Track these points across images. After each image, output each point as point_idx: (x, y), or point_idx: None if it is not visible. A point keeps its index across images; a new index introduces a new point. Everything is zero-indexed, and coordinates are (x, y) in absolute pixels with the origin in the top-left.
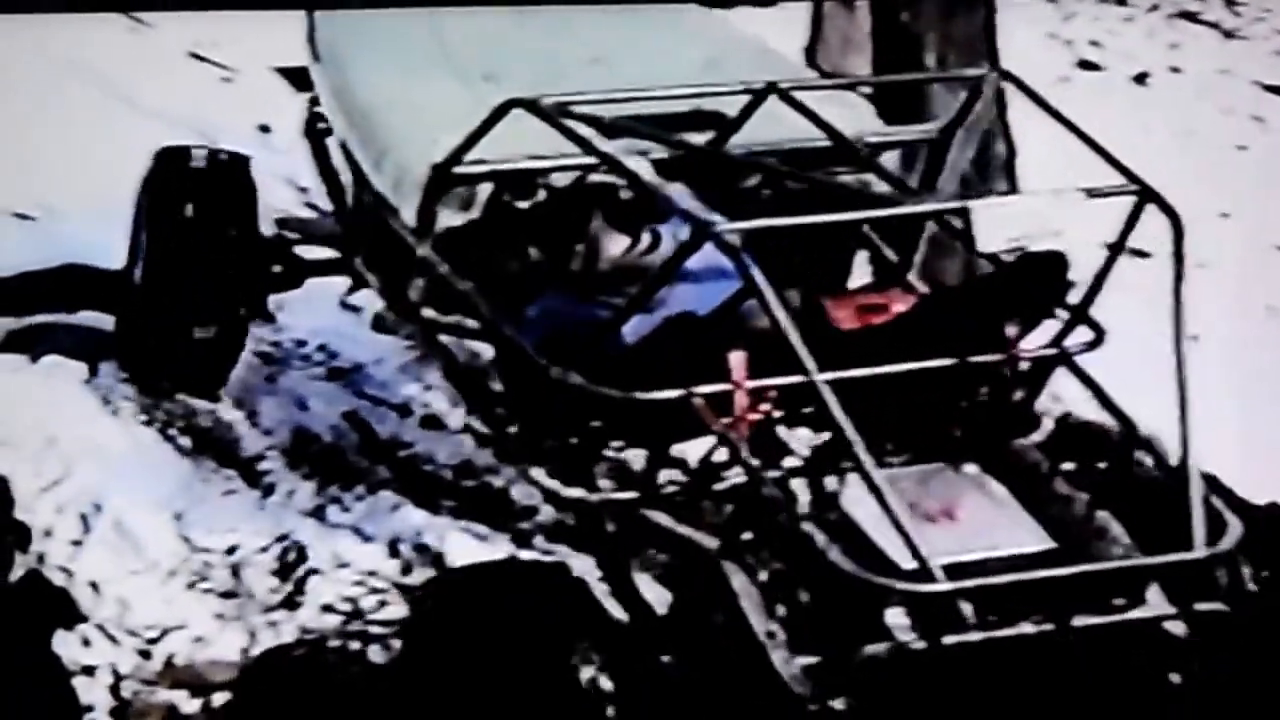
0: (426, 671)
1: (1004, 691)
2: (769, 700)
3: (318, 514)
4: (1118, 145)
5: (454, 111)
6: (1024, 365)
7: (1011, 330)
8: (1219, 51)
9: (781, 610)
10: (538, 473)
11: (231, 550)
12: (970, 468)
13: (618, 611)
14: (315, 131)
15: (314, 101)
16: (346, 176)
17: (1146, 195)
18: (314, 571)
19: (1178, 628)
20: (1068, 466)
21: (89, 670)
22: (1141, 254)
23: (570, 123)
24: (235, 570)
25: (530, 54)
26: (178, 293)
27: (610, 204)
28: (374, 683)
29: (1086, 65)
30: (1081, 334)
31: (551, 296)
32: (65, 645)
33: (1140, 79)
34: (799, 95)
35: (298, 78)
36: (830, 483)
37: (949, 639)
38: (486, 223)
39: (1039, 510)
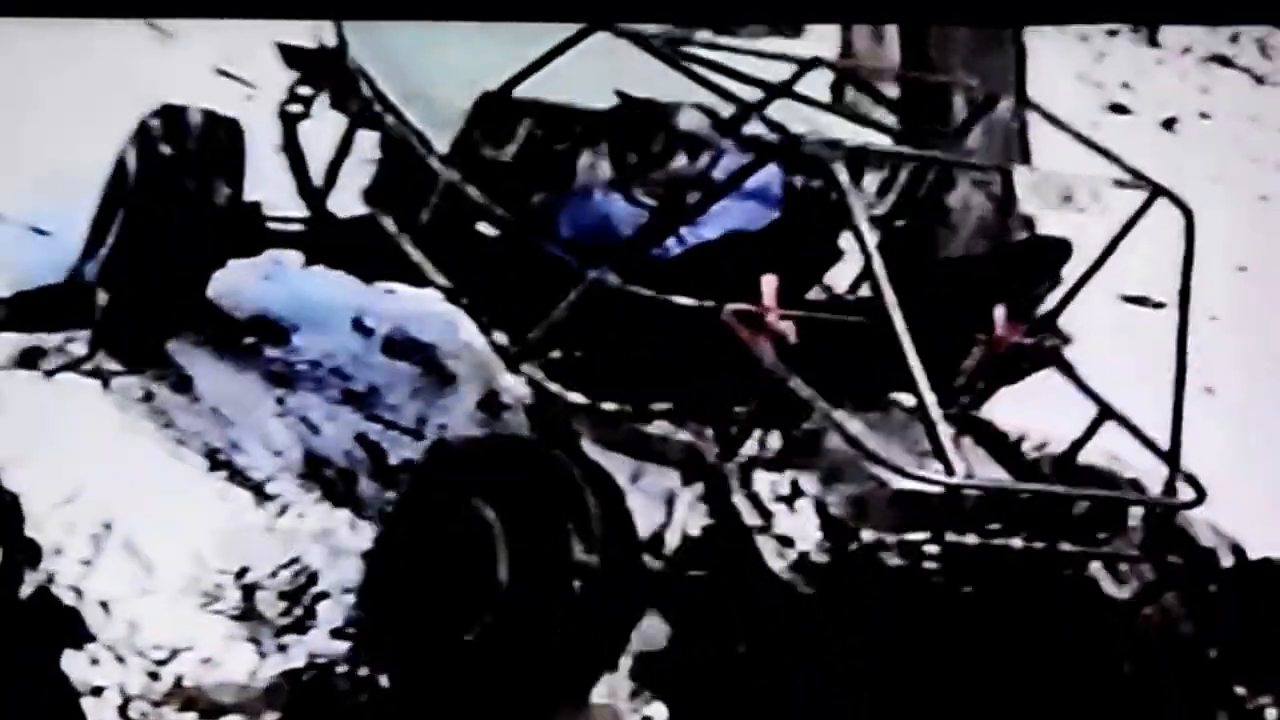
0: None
1: (987, 600)
2: (758, 587)
3: (328, 537)
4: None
5: (487, 59)
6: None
7: (1000, 313)
8: (1250, 97)
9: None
10: (537, 373)
11: (242, 572)
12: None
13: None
14: (290, 115)
15: (295, 85)
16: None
17: (1157, 191)
18: (324, 595)
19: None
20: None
21: (97, 691)
22: (1158, 305)
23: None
24: (246, 592)
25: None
26: (159, 244)
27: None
28: (382, 708)
29: (1117, 109)
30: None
31: (594, 193)
32: (74, 665)
33: (1169, 124)
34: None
35: (292, 55)
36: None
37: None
38: (523, 158)
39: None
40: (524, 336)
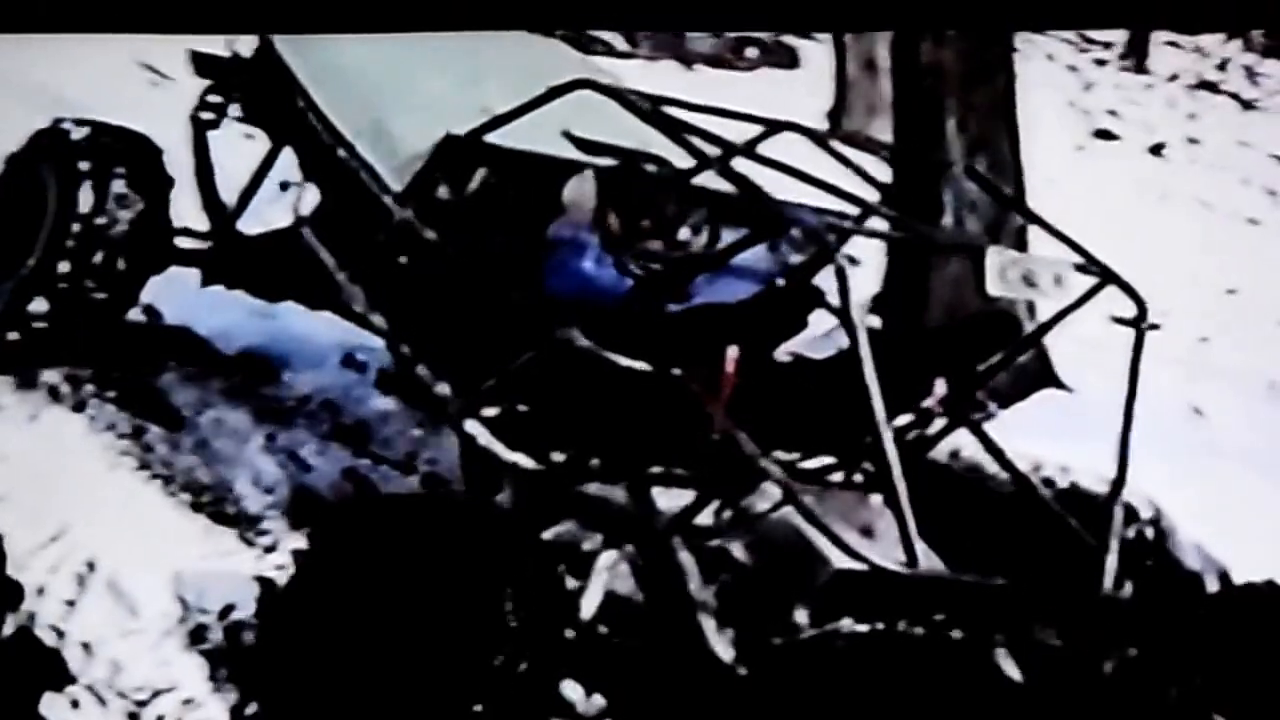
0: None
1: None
2: (698, 664)
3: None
4: (1132, 216)
5: (448, 96)
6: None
7: (939, 386)
8: (1238, 122)
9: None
10: (478, 429)
11: (226, 612)
12: (876, 498)
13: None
14: (200, 122)
15: (208, 91)
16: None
17: (1108, 278)
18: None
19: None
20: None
21: None
22: (1153, 326)
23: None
24: (230, 632)
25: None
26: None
27: (684, 190)
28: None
29: (1103, 135)
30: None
31: (585, 250)
32: (53, 708)
33: (1157, 150)
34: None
35: (204, 63)
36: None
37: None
38: (479, 202)
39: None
40: (470, 389)
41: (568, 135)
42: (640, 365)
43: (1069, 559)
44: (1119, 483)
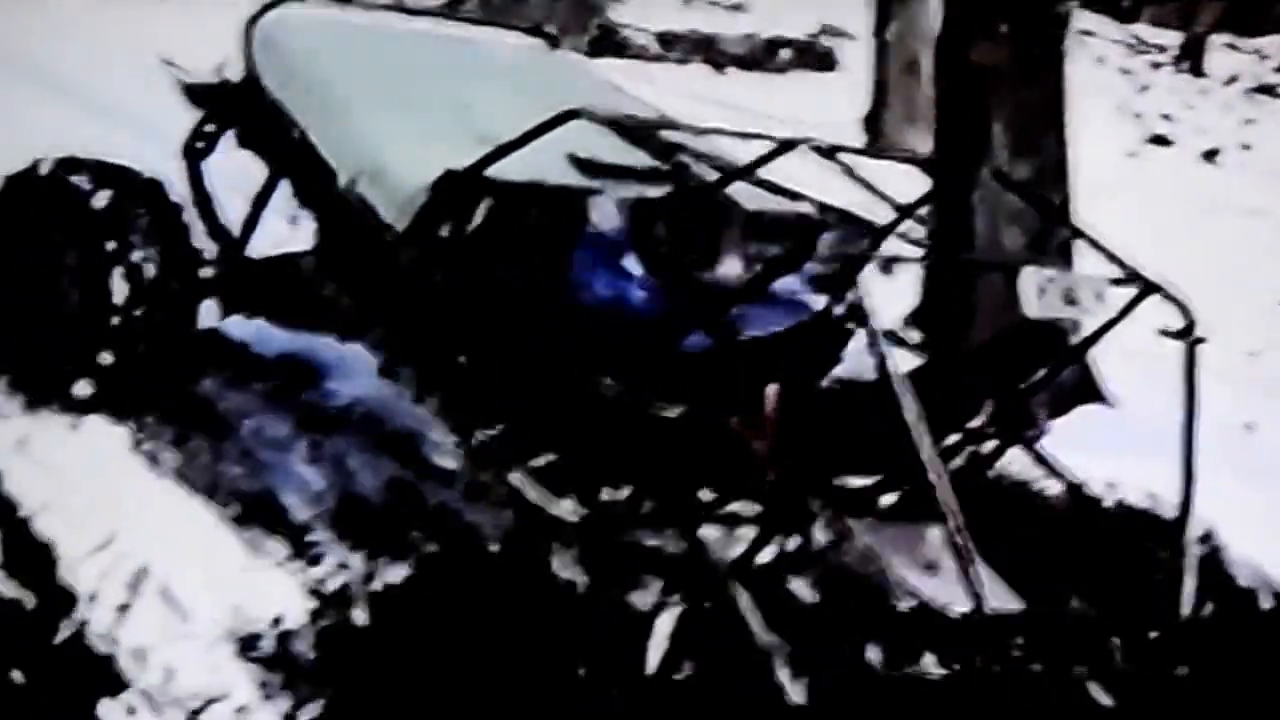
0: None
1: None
2: (770, 710)
3: (366, 583)
4: (1183, 223)
5: (444, 128)
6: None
7: (988, 407)
8: None
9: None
10: (522, 480)
11: (278, 620)
12: (936, 529)
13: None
14: (194, 150)
15: (203, 123)
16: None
17: (1149, 289)
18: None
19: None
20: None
21: None
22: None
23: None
24: (282, 640)
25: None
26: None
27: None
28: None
29: (1157, 140)
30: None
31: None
32: (110, 713)
33: (1210, 156)
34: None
35: (196, 93)
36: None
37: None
38: (486, 235)
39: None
40: (506, 439)
41: (574, 159)
42: (679, 411)
43: (1133, 578)
44: (1187, 502)
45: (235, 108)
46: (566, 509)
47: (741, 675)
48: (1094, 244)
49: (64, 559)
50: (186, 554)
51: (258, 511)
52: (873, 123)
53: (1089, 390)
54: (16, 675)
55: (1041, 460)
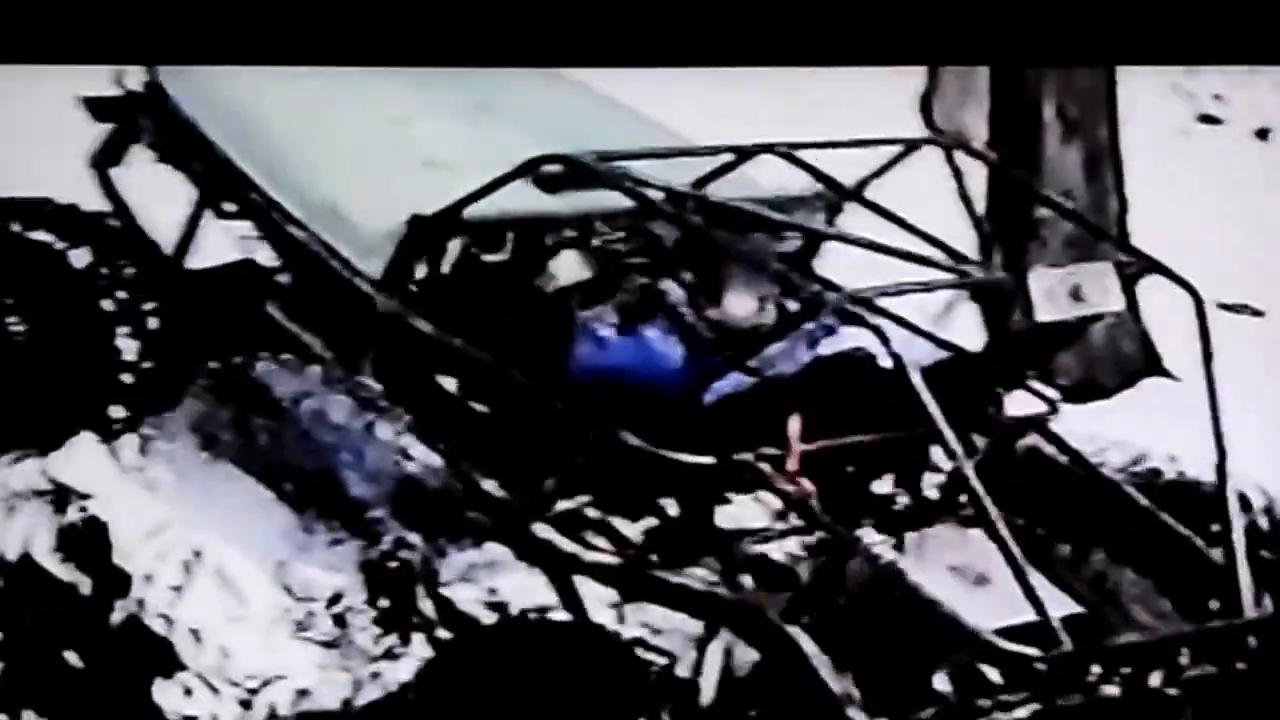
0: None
1: None
2: None
3: (425, 565)
4: (1234, 201)
5: (379, 157)
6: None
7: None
8: None
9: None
10: (550, 533)
11: (335, 600)
12: (975, 530)
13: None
14: (103, 162)
15: (110, 135)
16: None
17: (1153, 268)
18: (419, 623)
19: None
20: None
21: None
22: (1256, 313)
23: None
24: (339, 620)
25: (428, 99)
26: None
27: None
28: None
29: (1207, 119)
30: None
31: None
32: (166, 694)
33: (1262, 134)
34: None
35: (99, 106)
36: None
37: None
38: (461, 274)
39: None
40: (524, 488)
41: (539, 179)
42: (702, 459)
43: (1178, 558)
44: (1222, 493)
45: (142, 118)
46: (603, 554)
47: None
48: (1092, 229)
49: (118, 542)
50: (242, 535)
51: (315, 492)
52: (926, 103)
53: (1151, 364)
54: (72, 657)
55: (1060, 444)
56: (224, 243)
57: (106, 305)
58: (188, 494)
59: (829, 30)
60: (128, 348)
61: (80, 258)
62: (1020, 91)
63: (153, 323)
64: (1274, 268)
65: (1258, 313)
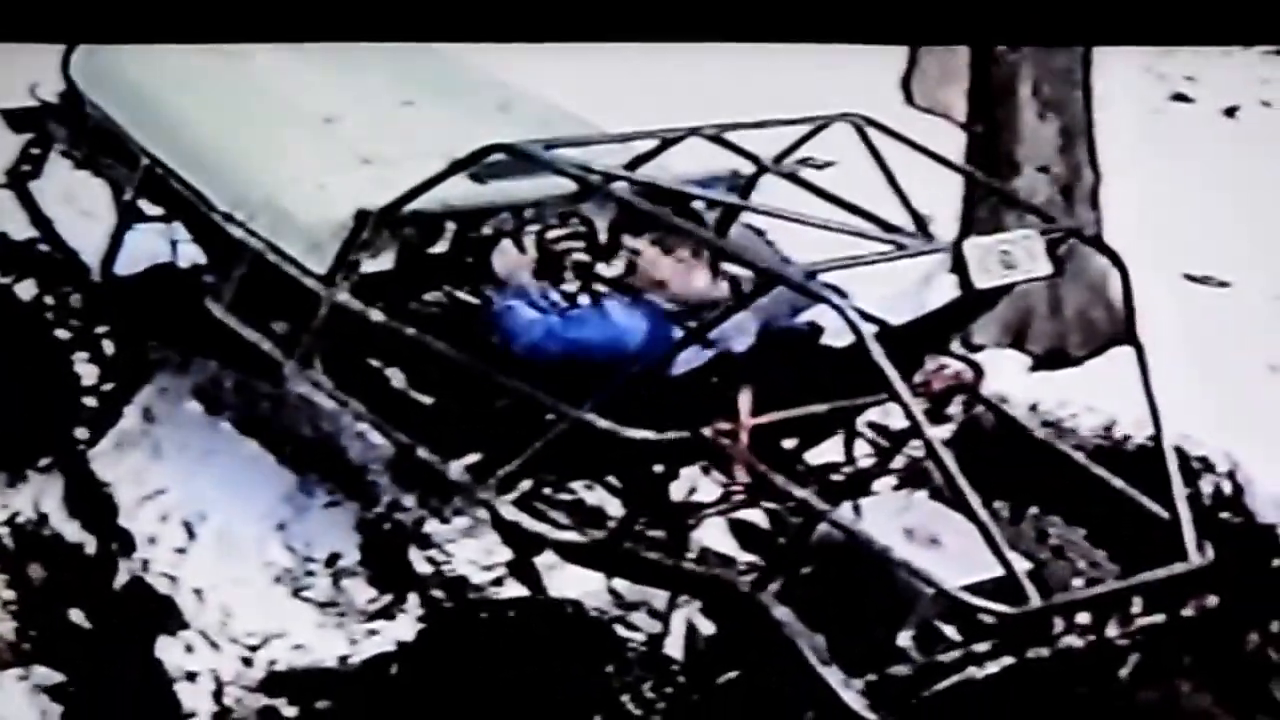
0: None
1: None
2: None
3: (418, 527)
4: (1204, 176)
5: (314, 156)
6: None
7: (930, 363)
8: None
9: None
10: (517, 514)
11: (333, 560)
12: (920, 493)
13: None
14: (20, 175)
15: (30, 145)
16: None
17: (1079, 237)
18: (413, 583)
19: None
20: None
21: (191, 676)
22: (1222, 284)
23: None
24: (336, 580)
25: (355, 96)
26: None
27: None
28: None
29: (1179, 98)
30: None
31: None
32: (168, 651)
33: (1230, 112)
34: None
35: (17, 118)
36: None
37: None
38: (405, 266)
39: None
40: (487, 471)
41: (484, 168)
42: (662, 435)
43: (1121, 513)
44: (1158, 446)
45: (59, 128)
46: (568, 536)
47: (785, 679)
48: (1011, 199)
49: (123, 503)
50: (242, 497)
51: (314, 455)
52: (907, 83)
53: (1120, 332)
54: (78, 616)
55: (990, 406)
56: (137, 251)
57: (61, 334)
58: (189, 457)
59: (808, 7)
60: (87, 373)
61: (26, 290)
62: (997, 70)
63: (108, 346)
64: (1241, 240)
65: (1223, 284)
